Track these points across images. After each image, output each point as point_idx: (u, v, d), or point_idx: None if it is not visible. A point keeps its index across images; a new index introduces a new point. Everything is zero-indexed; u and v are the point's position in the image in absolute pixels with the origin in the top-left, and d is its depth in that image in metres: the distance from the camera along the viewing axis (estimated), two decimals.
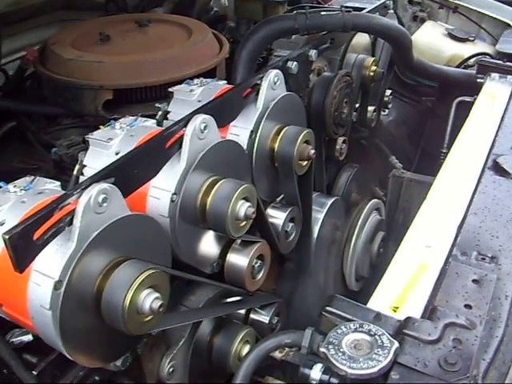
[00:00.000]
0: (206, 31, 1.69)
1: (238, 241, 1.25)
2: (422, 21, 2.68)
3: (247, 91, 1.29)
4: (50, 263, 0.88)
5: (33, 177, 1.10)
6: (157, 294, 0.93)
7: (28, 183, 1.07)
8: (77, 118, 1.53)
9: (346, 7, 1.85)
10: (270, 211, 1.39)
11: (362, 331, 0.78)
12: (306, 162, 1.37)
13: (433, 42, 2.39)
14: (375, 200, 1.64)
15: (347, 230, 1.57)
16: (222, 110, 1.20)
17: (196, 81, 1.42)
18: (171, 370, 1.20)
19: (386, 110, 2.21)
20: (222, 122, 1.21)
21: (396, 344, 0.78)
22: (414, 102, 2.46)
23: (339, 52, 1.73)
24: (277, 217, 1.38)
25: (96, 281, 0.92)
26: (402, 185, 1.94)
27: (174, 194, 1.07)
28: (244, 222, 1.15)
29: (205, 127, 1.11)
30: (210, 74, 1.58)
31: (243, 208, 1.12)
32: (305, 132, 1.33)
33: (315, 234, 1.56)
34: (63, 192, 1.05)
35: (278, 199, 1.44)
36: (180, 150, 1.08)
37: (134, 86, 1.46)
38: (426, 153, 2.40)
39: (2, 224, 0.99)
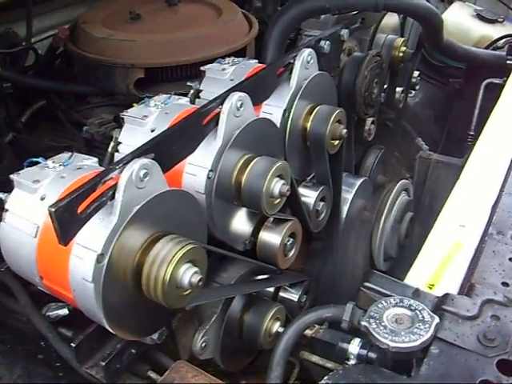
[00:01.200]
0: (235, 11, 1.69)
1: (271, 219, 1.26)
2: (450, 2, 2.65)
3: (280, 70, 1.29)
4: (93, 237, 0.89)
5: (70, 153, 1.11)
6: (196, 269, 0.94)
7: (66, 159, 1.08)
8: (107, 97, 1.54)
9: None
10: (301, 190, 1.39)
11: (402, 306, 0.79)
12: (337, 142, 1.37)
13: (461, 22, 2.36)
14: (404, 181, 1.64)
15: (376, 210, 1.57)
16: (257, 89, 1.20)
17: (227, 60, 1.41)
18: (203, 344, 1.22)
19: (413, 92, 2.19)
20: (257, 100, 1.21)
21: (437, 319, 0.79)
22: (441, 83, 2.43)
23: (369, 32, 1.72)
24: (308, 195, 1.38)
25: (136, 254, 0.94)
26: (428, 166, 1.92)
27: (211, 170, 1.08)
28: (278, 200, 1.16)
29: (241, 105, 1.11)
30: (241, 53, 1.58)
31: (278, 185, 1.13)
32: (337, 111, 1.33)
33: (344, 214, 1.56)
34: (101, 168, 1.07)
35: (309, 178, 1.45)
36: (216, 127, 1.09)
37: (165, 64, 1.46)
38: (453, 135, 2.38)
39: (43, 199, 1.01)
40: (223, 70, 1.36)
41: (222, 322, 1.25)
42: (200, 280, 0.94)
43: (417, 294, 0.86)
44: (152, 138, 0.98)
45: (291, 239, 1.28)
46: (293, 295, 1.42)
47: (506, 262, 0.95)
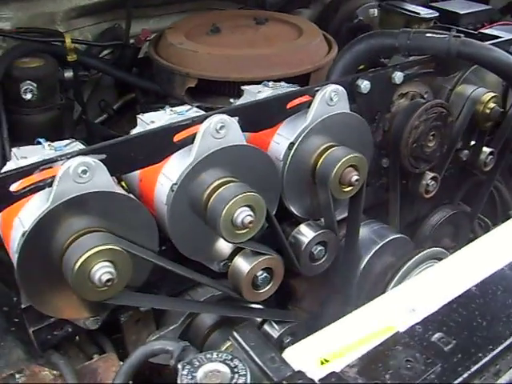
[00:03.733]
0: (315, 35, 1.67)
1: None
2: None
3: (298, 101, 1.26)
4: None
5: (70, 140, 1.20)
6: (109, 269, 0.99)
7: (62, 145, 1.18)
8: (167, 100, 1.65)
9: (480, 33, 1.68)
10: (301, 227, 1.34)
11: (228, 365, 0.74)
12: (348, 188, 1.28)
13: None
14: (436, 249, 1.46)
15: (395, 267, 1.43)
16: (254, 115, 1.19)
17: (271, 84, 1.42)
18: None
19: None
20: (255, 127, 1.21)
21: None
22: None
23: (451, 80, 1.57)
24: (304, 234, 1.32)
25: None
26: None
27: (175, 184, 1.11)
28: (243, 230, 1.14)
29: (221, 127, 1.12)
30: (301, 79, 1.57)
31: (242, 215, 1.11)
32: (351, 155, 1.25)
33: (362, 265, 1.46)
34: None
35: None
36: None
37: (215, 78, 1.52)
38: None
39: None
40: (259, 92, 1.38)
41: (179, 332, 1.28)
42: (109, 280, 0.99)
43: (273, 360, 0.80)
44: (110, 140, 1.05)
45: (265, 274, 1.24)
46: (274, 331, 1.38)
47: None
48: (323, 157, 1.27)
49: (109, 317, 1.17)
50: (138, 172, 1.21)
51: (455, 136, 1.59)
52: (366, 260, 1.46)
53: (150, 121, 1.27)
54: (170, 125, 1.10)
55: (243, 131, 1.18)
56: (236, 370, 0.74)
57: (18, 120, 1.57)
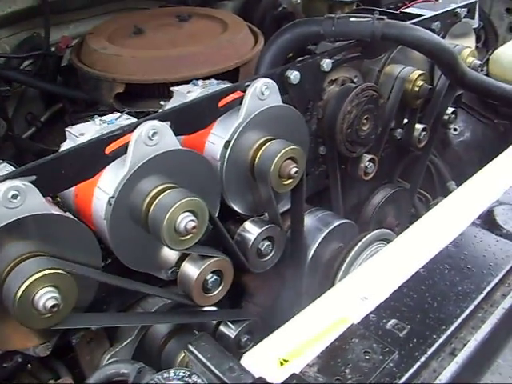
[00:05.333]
0: (239, 29, 1.65)
1: None
2: None
3: (229, 99, 1.24)
4: None
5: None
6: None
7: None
8: (95, 108, 1.60)
9: (402, 13, 1.71)
10: (246, 224, 1.33)
11: (186, 382, 0.72)
12: (289, 181, 1.28)
13: None
14: (381, 230, 1.49)
15: (340, 255, 1.45)
16: (188, 117, 1.17)
17: (201, 82, 1.40)
18: None
19: (458, 130, 1.99)
20: (188, 128, 1.19)
21: None
22: (492, 123, 2.17)
23: (379, 62, 1.59)
24: (250, 231, 1.32)
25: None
26: None
27: (112, 197, 1.08)
28: (187, 236, 1.11)
29: (153, 134, 1.09)
30: (230, 74, 1.55)
31: (185, 221, 1.09)
32: (288, 148, 1.25)
33: (310, 254, 1.47)
34: None
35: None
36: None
37: (143, 81, 1.48)
38: None
39: None
40: (188, 92, 1.35)
41: (134, 345, 1.25)
42: (54, 306, 0.95)
43: (231, 370, 0.78)
44: (38, 160, 1.00)
45: (215, 276, 1.23)
46: (230, 331, 1.37)
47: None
48: (260, 152, 1.27)
49: (60, 340, 1.13)
50: (73, 188, 1.16)
51: (388, 116, 1.61)
52: (313, 249, 1.47)
53: (80, 133, 1.21)
54: (100, 137, 1.06)
55: (176, 135, 1.16)
56: None
57: None
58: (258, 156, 1.26)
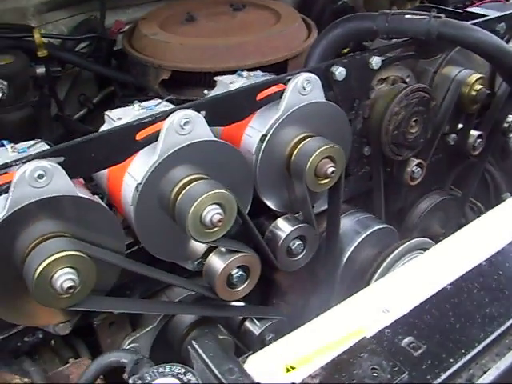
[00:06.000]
0: (293, 22, 1.61)
1: None
2: None
3: (269, 92, 1.21)
4: None
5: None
6: (70, 276, 0.95)
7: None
8: (146, 92, 1.61)
9: (466, 12, 1.62)
10: (278, 221, 1.29)
11: (180, 379, 0.70)
12: (325, 180, 1.23)
13: None
14: (421, 239, 1.42)
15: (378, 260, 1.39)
16: (223, 108, 1.14)
17: (245, 73, 1.37)
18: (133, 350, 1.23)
19: None
20: (223, 120, 1.17)
21: None
22: None
23: (434, 62, 1.51)
24: (281, 229, 1.28)
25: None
26: None
27: (139, 183, 1.07)
28: (213, 229, 1.09)
29: (185, 123, 1.07)
30: (279, 67, 1.51)
31: (211, 213, 1.07)
32: (327, 146, 1.20)
33: (345, 257, 1.42)
34: None
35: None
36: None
37: (189, 69, 1.47)
38: None
39: None
40: (231, 82, 1.33)
41: (155, 334, 1.25)
42: (71, 287, 0.95)
43: (231, 372, 0.76)
44: (68, 142, 1.01)
45: (241, 272, 1.20)
46: (255, 328, 1.34)
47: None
48: (298, 148, 1.23)
49: (81, 321, 1.15)
50: (106, 171, 1.17)
51: (440, 120, 1.53)
52: (349, 252, 1.42)
53: (117, 117, 1.22)
54: (131, 123, 1.06)
55: (211, 125, 1.14)
56: None
57: None
58: (294, 152, 1.23)
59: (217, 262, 1.19)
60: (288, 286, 1.52)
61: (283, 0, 2.12)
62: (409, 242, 1.39)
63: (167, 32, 1.56)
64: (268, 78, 1.28)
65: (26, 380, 1.10)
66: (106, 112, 1.25)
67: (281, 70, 1.51)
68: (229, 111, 1.16)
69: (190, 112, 1.08)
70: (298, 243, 1.29)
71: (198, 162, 1.11)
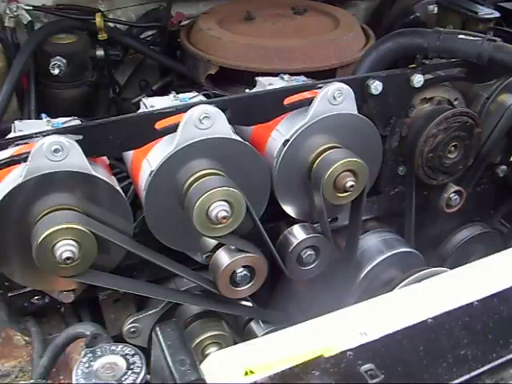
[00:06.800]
0: (350, 30, 1.59)
1: None
2: None
3: (298, 97, 1.20)
4: None
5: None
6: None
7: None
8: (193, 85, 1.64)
9: None
10: (294, 228, 1.28)
11: (127, 360, 0.72)
12: (344, 194, 1.21)
13: None
14: (440, 269, 1.34)
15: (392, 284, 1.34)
16: (250, 108, 1.15)
17: (287, 77, 1.37)
18: (133, 330, 1.27)
19: None
20: (247, 120, 1.18)
21: None
22: None
23: (489, 88, 1.43)
24: (295, 235, 1.27)
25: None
26: None
27: (153, 170, 1.10)
28: (218, 225, 1.11)
29: (204, 117, 1.09)
30: (327, 75, 1.50)
31: (217, 209, 1.08)
32: (349, 159, 1.18)
33: (361, 275, 1.38)
34: None
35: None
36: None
37: (235, 67, 1.49)
38: None
39: None
40: (269, 84, 1.33)
41: (157, 317, 1.28)
42: (69, 258, 0.99)
43: (182, 363, 0.77)
44: (87, 122, 1.06)
45: (245, 272, 1.21)
46: (259, 330, 1.34)
47: None
48: (320, 158, 1.21)
49: (87, 293, 1.20)
50: (131, 153, 1.22)
51: (488, 149, 1.45)
52: (366, 270, 1.39)
53: (151, 105, 1.27)
54: (152, 111, 1.09)
55: (234, 124, 1.15)
56: (132, 366, 0.72)
57: (48, 94, 1.63)
58: (317, 161, 1.22)
59: (223, 258, 1.21)
60: (304, 294, 1.51)
61: (357, 8, 2.10)
62: (427, 270, 1.33)
63: (223, 28, 1.59)
64: (302, 83, 1.28)
65: (26, 338, 1.17)
66: (143, 99, 1.31)
67: (329, 78, 1.49)
68: (252, 112, 1.16)
69: (210, 108, 1.10)
70: (309, 253, 1.27)
71: (215, 157, 1.13)
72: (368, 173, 1.21)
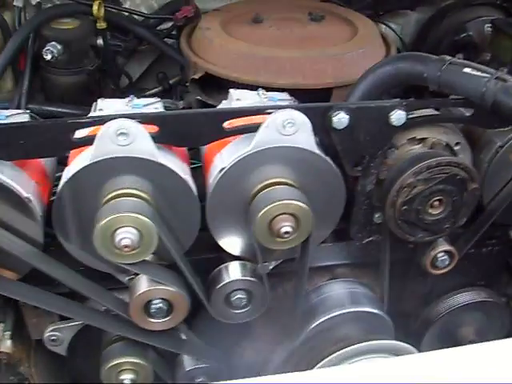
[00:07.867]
0: (363, 45, 1.39)
1: None
2: None
3: (242, 122, 1.05)
4: None
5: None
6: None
7: None
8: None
9: None
10: (231, 264, 1.14)
11: None
12: (280, 239, 1.04)
13: None
14: (401, 344, 1.12)
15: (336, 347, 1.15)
16: (180, 128, 1.02)
17: (261, 92, 1.22)
18: (53, 338, 1.22)
19: None
20: (181, 141, 1.05)
21: None
22: None
23: (504, 135, 1.18)
24: (228, 273, 1.13)
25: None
26: None
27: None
28: (128, 252, 1.00)
29: (121, 134, 0.97)
30: (321, 95, 1.32)
31: (120, 236, 0.98)
32: (286, 201, 1.01)
33: (312, 324, 1.21)
34: None
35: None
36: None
37: (217, 74, 1.35)
38: None
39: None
40: (237, 99, 1.19)
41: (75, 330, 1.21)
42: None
43: None
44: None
45: (161, 304, 1.09)
46: (188, 364, 1.23)
47: None
48: (260, 194, 1.06)
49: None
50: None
51: (495, 207, 1.21)
52: (317, 321, 1.21)
53: (99, 108, 1.18)
54: (70, 119, 1.00)
55: (162, 143, 1.03)
56: None
57: (46, 78, 1.60)
58: (255, 198, 1.06)
59: (141, 284, 1.11)
60: (260, 333, 1.36)
61: (407, 19, 1.86)
62: (378, 342, 1.13)
63: (224, 30, 1.44)
64: (262, 105, 1.12)
65: None
66: (100, 98, 1.22)
67: (322, 98, 1.32)
68: (184, 132, 1.03)
69: (126, 123, 0.98)
70: (239, 296, 1.13)
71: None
72: (312, 219, 1.04)
